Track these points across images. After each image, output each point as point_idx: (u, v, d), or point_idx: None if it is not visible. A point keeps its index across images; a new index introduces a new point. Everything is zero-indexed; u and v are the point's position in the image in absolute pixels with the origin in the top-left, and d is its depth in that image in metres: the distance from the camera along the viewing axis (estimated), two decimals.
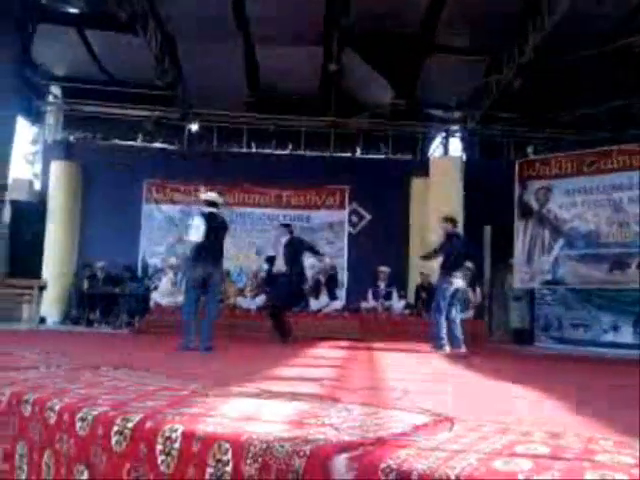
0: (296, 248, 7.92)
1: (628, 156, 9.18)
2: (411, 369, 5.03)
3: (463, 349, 6.90)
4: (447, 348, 6.87)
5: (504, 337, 10.25)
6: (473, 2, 8.36)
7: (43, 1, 9.45)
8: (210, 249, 6.03)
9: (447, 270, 7.21)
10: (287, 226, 8.40)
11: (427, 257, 7.98)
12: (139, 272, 11.58)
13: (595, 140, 10.31)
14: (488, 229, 11.08)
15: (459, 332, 7.05)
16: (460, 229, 10.86)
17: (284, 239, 7.99)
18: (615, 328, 8.91)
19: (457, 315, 7.19)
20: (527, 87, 9.51)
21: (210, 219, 6.14)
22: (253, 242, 11.74)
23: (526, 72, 9.13)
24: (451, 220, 7.47)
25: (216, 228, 6.18)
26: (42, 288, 9.43)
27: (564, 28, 7.80)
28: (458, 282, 7.19)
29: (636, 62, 8.84)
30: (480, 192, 10.66)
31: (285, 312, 7.92)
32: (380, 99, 11.31)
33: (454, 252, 7.23)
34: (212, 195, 6.54)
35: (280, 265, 8.06)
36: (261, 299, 10.28)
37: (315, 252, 8.34)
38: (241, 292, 10.41)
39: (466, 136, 12.37)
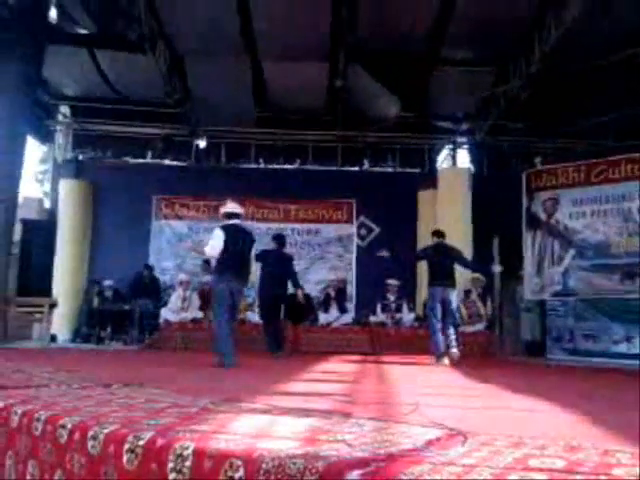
0: (285, 264, 7.99)
1: (637, 165, 9.14)
2: (422, 382, 5.00)
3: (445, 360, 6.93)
4: (445, 360, 6.90)
5: (515, 349, 10.17)
6: (480, 14, 8.39)
7: (53, 22, 9.58)
8: (232, 263, 5.85)
9: (429, 281, 7.42)
10: (280, 238, 8.37)
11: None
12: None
13: (603, 150, 10.28)
14: (497, 241, 11.03)
15: (452, 343, 7.07)
16: (468, 241, 10.89)
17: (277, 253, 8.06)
18: (628, 339, 8.81)
19: (448, 326, 7.17)
20: (535, 98, 9.52)
21: (231, 232, 5.95)
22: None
23: (534, 83, 9.13)
24: (435, 233, 7.63)
25: (238, 241, 5.99)
26: (53, 306, 9.47)
27: (572, 38, 7.81)
28: (442, 293, 7.19)
29: None
30: (488, 203, 10.63)
31: (275, 325, 7.92)
32: (387, 112, 11.34)
33: (438, 263, 7.32)
34: (232, 206, 6.33)
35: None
36: None
37: (294, 279, 8.17)
38: (250, 307, 10.41)
39: (474, 148, 12.37)
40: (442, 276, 7.26)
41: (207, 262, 11.13)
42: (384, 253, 7.66)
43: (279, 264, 7.88)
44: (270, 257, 7.86)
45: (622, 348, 8.87)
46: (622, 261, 9.04)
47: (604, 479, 1.51)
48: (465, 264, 7.86)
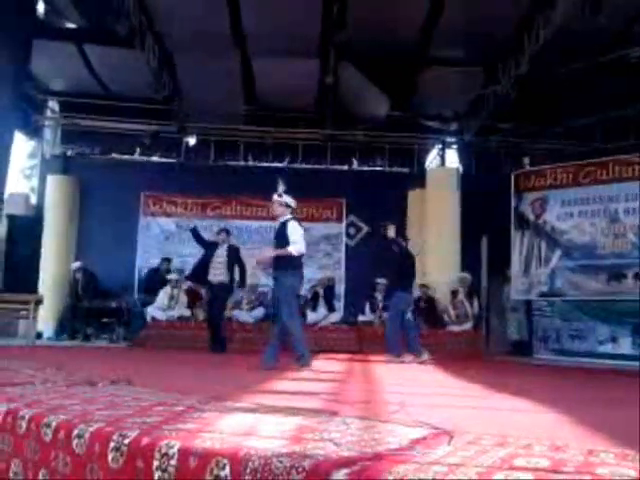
0: (232, 257, 8.21)
1: (625, 167, 9.22)
2: (409, 381, 5.01)
3: (408, 358, 7.08)
4: (408, 358, 7.09)
5: (502, 349, 10.23)
6: (469, 15, 8.41)
7: (41, 16, 9.49)
8: (302, 259, 5.80)
9: (407, 286, 7.61)
10: (226, 232, 8.60)
11: None
12: (136, 286, 11.57)
13: (591, 151, 10.35)
14: (485, 240, 11.09)
15: (412, 341, 7.31)
16: (457, 241, 10.93)
17: (225, 245, 8.31)
18: (613, 339, 8.90)
19: (408, 324, 7.41)
20: (524, 98, 9.55)
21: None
22: (250, 255, 11.70)
23: (523, 83, 9.17)
24: (384, 227, 8.06)
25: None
26: (38, 303, 9.39)
27: (560, 39, 7.84)
28: (400, 291, 7.44)
29: (632, 73, 8.90)
30: (477, 203, 10.67)
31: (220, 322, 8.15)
32: (377, 111, 11.35)
33: (396, 261, 7.63)
34: (290, 199, 5.92)
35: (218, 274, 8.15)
36: (259, 312, 10.27)
37: (242, 272, 8.50)
38: (238, 305, 10.39)
39: (463, 148, 12.41)
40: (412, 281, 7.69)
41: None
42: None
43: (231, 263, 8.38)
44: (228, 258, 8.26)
45: (607, 348, 8.95)
46: (608, 262, 9.12)
47: (588, 479, 1.52)
48: None
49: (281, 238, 5.69)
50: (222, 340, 8.06)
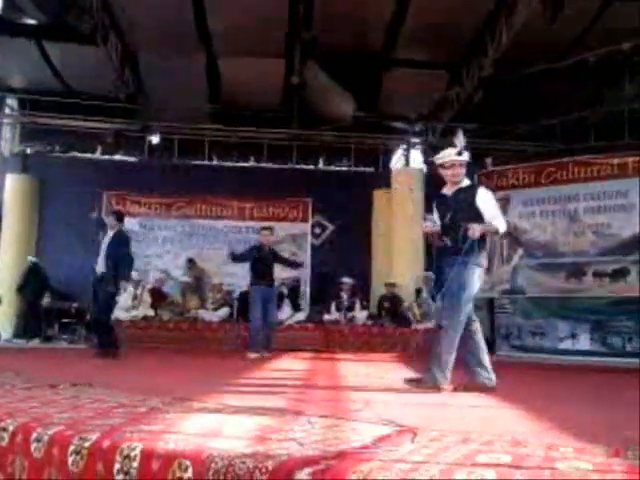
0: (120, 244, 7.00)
1: (584, 167, 9.44)
2: (373, 379, 5.03)
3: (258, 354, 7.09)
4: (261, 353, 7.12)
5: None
6: (433, 18, 8.49)
7: None
8: None
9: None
10: (117, 215, 7.50)
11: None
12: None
13: (552, 152, 10.55)
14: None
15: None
16: (421, 240, 11.02)
17: (111, 232, 7.10)
18: (573, 335, 9.09)
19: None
20: (487, 100, 9.69)
21: None
22: (215, 254, 11.64)
23: (486, 85, 9.30)
24: (267, 228, 7.98)
25: None
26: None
27: (523, 43, 7.98)
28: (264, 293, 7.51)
29: (592, 76, 9.11)
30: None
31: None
32: (342, 112, 11.37)
33: (262, 260, 7.54)
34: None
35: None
36: (224, 311, 10.20)
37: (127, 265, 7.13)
38: (202, 304, 10.33)
39: (427, 148, 12.52)
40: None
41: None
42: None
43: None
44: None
45: (568, 345, 9.15)
46: (568, 260, 9.32)
47: (548, 473, 1.55)
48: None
49: (465, 211, 4.21)
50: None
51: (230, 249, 8.50)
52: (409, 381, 4.12)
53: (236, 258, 8.03)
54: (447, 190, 4.42)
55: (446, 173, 4.39)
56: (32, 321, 10.46)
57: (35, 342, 9.95)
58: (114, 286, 6.83)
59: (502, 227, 4.21)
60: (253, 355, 7.05)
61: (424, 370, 4.14)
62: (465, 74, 9.55)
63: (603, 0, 8.02)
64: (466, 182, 4.39)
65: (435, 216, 4.47)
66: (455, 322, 3.99)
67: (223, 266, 10.81)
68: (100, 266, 6.98)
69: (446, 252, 4.21)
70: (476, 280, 4.09)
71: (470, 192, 4.29)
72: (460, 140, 4.42)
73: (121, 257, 6.93)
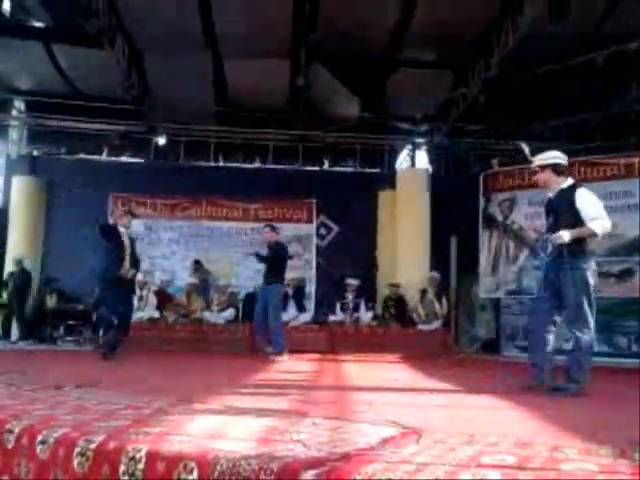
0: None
1: (591, 168, 9.41)
2: (377, 381, 5.03)
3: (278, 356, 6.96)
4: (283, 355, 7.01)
5: (471, 346, 10.34)
6: (439, 18, 8.48)
7: (6, 14, 9.29)
8: None
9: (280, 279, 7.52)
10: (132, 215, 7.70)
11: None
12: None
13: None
14: (454, 240, 11.20)
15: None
16: (426, 240, 11.03)
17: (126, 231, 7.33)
18: None
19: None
20: (493, 101, 9.67)
21: None
22: (221, 256, 11.66)
23: (492, 86, 9.28)
24: (266, 226, 7.87)
25: None
26: (3, 306, 9.21)
27: (529, 43, 7.96)
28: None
29: (598, 76, 9.08)
30: (446, 204, 10.78)
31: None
32: (347, 113, 11.37)
33: (275, 260, 7.47)
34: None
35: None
36: (229, 313, 10.20)
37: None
38: (208, 306, 10.34)
39: (432, 149, 12.51)
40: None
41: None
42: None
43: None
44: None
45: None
46: None
47: (554, 474, 1.54)
48: None
49: (567, 212, 4.19)
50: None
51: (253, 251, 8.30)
52: (553, 390, 4.04)
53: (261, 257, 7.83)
54: (551, 192, 4.43)
55: (536, 179, 4.50)
56: (39, 323, 10.49)
57: (42, 344, 9.95)
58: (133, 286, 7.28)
59: (600, 229, 4.12)
60: (286, 357, 7.00)
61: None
62: (471, 75, 9.53)
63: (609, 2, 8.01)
64: (569, 182, 4.36)
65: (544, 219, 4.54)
66: (586, 326, 4.10)
67: (229, 267, 10.83)
68: (127, 265, 7.10)
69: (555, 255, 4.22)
70: (587, 282, 4.12)
71: (570, 192, 4.26)
72: (525, 149, 4.61)
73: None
